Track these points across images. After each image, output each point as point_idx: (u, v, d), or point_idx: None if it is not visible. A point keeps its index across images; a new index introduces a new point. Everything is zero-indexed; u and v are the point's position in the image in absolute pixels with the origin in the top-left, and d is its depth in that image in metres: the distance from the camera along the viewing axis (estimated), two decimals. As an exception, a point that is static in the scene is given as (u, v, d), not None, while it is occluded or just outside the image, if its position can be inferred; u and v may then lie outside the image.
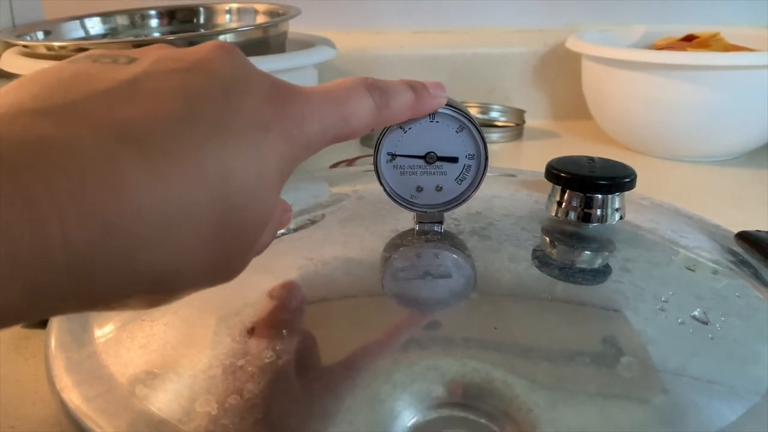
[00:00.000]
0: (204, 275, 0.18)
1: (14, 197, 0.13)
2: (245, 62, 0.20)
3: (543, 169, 0.32)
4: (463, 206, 0.31)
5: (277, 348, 0.22)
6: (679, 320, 0.24)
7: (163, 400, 0.21)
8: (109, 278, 0.15)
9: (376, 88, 0.24)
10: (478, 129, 0.30)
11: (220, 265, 0.18)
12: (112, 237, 0.14)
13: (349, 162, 0.70)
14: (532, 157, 0.77)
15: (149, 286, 0.16)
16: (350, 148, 0.78)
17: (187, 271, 0.17)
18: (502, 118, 0.83)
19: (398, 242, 0.30)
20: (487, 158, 0.30)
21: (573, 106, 0.87)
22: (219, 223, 0.17)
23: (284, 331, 0.23)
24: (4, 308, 0.13)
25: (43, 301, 0.14)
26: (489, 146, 0.30)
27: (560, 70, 0.87)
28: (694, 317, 0.24)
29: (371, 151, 0.31)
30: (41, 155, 0.14)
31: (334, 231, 0.32)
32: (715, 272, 0.29)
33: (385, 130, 0.30)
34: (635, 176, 0.30)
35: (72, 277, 0.14)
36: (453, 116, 0.29)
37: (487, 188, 0.31)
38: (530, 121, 0.85)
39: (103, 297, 0.16)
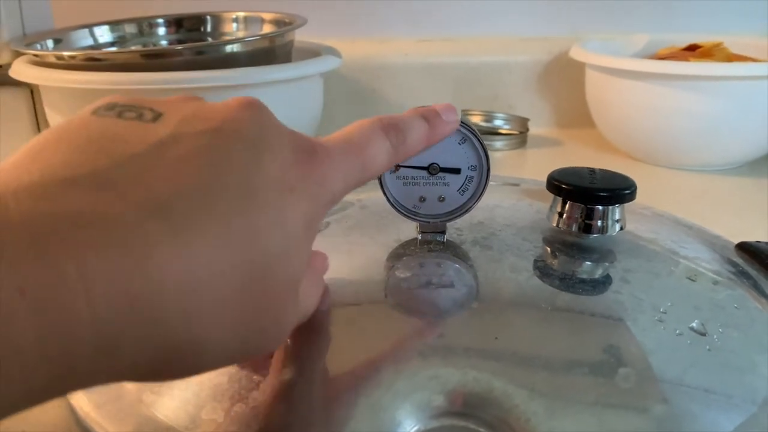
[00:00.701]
0: (236, 344, 0.18)
1: (44, 277, 0.13)
2: (271, 120, 0.20)
3: (546, 179, 0.33)
4: (466, 216, 0.31)
5: (282, 357, 0.23)
6: (677, 331, 0.24)
7: (170, 407, 0.22)
8: (136, 352, 0.15)
9: (391, 127, 0.24)
10: (480, 141, 0.30)
11: (253, 332, 0.18)
12: (138, 311, 0.14)
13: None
14: (536, 166, 0.77)
15: (177, 358, 0.16)
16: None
17: (216, 339, 0.17)
18: (506, 126, 0.83)
19: (401, 252, 0.31)
20: (489, 169, 0.31)
21: (576, 115, 0.88)
22: (246, 289, 0.17)
23: (288, 340, 0.24)
24: (32, 389, 0.14)
25: (70, 378, 0.14)
26: (493, 154, 0.30)
27: (564, 79, 0.88)
28: (692, 328, 0.25)
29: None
30: (73, 231, 0.14)
31: (338, 239, 0.33)
32: (714, 283, 0.30)
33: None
34: (635, 188, 0.31)
35: (99, 353, 0.14)
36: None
37: (490, 198, 0.31)
38: (534, 129, 0.86)
39: (131, 371, 0.16)
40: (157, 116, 0.18)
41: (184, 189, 0.16)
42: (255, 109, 0.20)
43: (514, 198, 0.39)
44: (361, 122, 0.24)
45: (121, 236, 0.14)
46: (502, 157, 0.78)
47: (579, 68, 0.80)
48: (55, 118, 0.66)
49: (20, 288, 0.13)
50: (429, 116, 0.26)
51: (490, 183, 0.31)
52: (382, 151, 0.23)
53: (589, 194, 0.30)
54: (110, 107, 0.19)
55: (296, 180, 0.19)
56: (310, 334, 0.25)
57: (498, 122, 0.84)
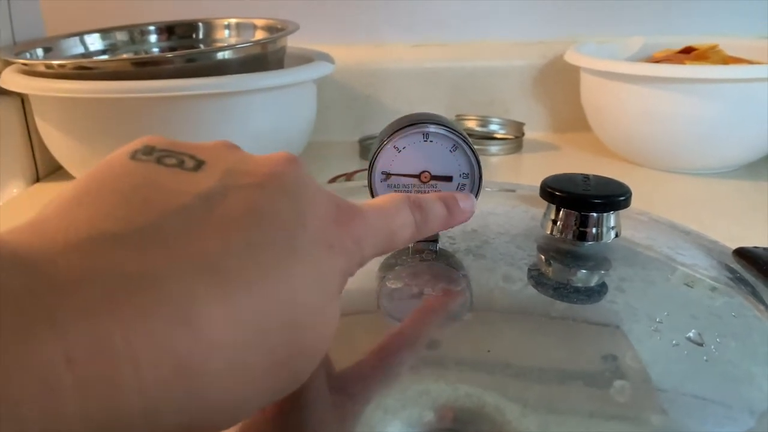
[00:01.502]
0: (272, 396, 0.18)
1: (92, 346, 0.13)
2: (310, 178, 0.21)
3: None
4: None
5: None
6: (674, 342, 0.24)
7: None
8: (180, 413, 0.15)
9: (417, 206, 0.25)
10: (471, 148, 0.30)
11: (288, 384, 0.18)
12: (185, 376, 0.14)
13: (348, 176, 0.70)
14: (532, 170, 0.77)
15: (216, 415, 0.16)
16: (349, 162, 0.78)
17: (256, 396, 0.17)
18: (502, 131, 0.83)
19: (393, 261, 0.30)
20: (481, 177, 0.30)
21: (572, 118, 0.87)
22: (288, 347, 0.17)
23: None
24: None
25: None
26: (488, 159, 0.30)
27: (559, 83, 0.87)
28: (689, 338, 0.24)
29: (370, 165, 0.31)
30: (121, 294, 0.14)
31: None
32: (711, 290, 0.29)
33: (379, 149, 0.30)
34: (630, 194, 0.30)
35: (144, 419, 0.14)
36: (447, 136, 0.30)
37: (484, 204, 0.31)
38: (529, 133, 0.85)
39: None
40: (198, 164, 0.19)
41: (233, 246, 0.16)
42: (295, 165, 0.20)
43: (509, 205, 0.39)
44: (392, 195, 0.25)
45: (168, 298, 0.14)
46: (497, 161, 0.78)
47: (574, 72, 0.80)
48: (45, 127, 0.66)
49: (67, 357, 0.13)
50: (449, 203, 0.27)
51: (485, 189, 0.30)
52: (407, 225, 0.24)
53: (583, 201, 0.30)
54: (147, 151, 0.19)
55: (335, 237, 0.20)
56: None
57: (493, 127, 0.83)
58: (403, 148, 0.30)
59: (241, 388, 0.16)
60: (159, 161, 0.18)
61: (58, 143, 0.66)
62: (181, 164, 0.18)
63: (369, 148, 0.81)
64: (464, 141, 0.30)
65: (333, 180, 0.68)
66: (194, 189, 0.17)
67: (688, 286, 0.30)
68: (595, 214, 0.30)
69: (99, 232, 0.15)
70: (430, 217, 0.26)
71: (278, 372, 0.17)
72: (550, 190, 0.31)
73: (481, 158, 0.30)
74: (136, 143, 0.19)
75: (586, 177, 0.32)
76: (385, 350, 0.24)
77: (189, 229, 0.16)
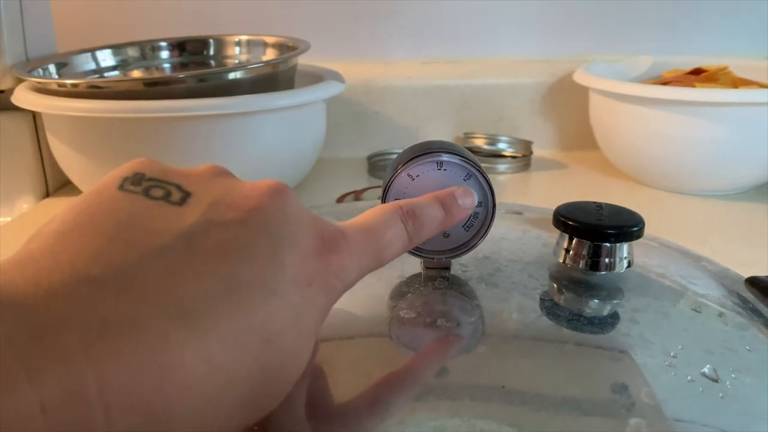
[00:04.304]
0: (240, 426, 0.18)
1: (66, 392, 0.13)
2: (295, 208, 0.21)
3: (551, 203, 0.32)
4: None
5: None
6: (689, 377, 0.24)
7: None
8: None
9: (410, 215, 0.25)
10: (485, 177, 0.30)
11: (256, 415, 0.18)
12: (155, 422, 0.15)
13: (357, 194, 0.70)
14: (540, 190, 0.77)
15: None
16: (357, 179, 0.79)
17: (225, 430, 0.17)
18: (510, 149, 0.83)
19: (405, 289, 0.30)
20: (494, 206, 0.30)
21: (580, 137, 0.88)
22: (259, 387, 0.17)
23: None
24: None
25: None
26: (496, 177, 0.30)
27: (568, 101, 0.88)
28: (704, 374, 0.24)
29: (380, 182, 0.31)
30: (96, 341, 0.14)
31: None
32: (725, 323, 0.29)
33: (393, 177, 0.30)
34: (643, 224, 0.30)
35: None
36: (461, 165, 0.30)
37: (495, 229, 0.31)
38: (538, 151, 0.85)
39: None
40: (184, 197, 0.19)
41: (209, 289, 0.17)
42: (281, 197, 0.20)
43: (520, 229, 0.39)
44: (382, 208, 0.24)
45: (142, 345, 0.15)
46: (505, 180, 0.78)
47: (583, 90, 0.80)
48: (57, 144, 0.66)
49: (42, 406, 0.13)
50: (446, 202, 0.27)
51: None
52: (398, 238, 0.24)
53: (597, 231, 0.30)
54: (137, 181, 0.19)
55: (315, 273, 0.20)
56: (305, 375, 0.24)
57: (502, 145, 0.84)
58: (417, 176, 0.30)
59: (210, 426, 0.16)
60: (146, 193, 0.19)
61: (69, 160, 0.66)
62: (167, 196, 0.19)
63: (377, 166, 0.81)
64: (478, 170, 0.30)
65: (341, 199, 0.69)
66: (176, 227, 0.18)
67: (702, 317, 0.30)
68: (608, 245, 0.30)
69: (80, 275, 0.15)
70: (425, 222, 0.25)
71: (247, 407, 0.18)
72: (563, 218, 0.31)
73: (489, 177, 0.30)
74: (127, 168, 0.20)
75: (599, 206, 0.32)
76: (383, 389, 0.23)
77: (167, 272, 0.16)
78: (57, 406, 0.13)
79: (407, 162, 0.30)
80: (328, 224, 0.22)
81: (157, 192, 0.19)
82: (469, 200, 0.28)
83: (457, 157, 0.30)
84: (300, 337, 0.19)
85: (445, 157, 0.30)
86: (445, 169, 0.30)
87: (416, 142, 0.32)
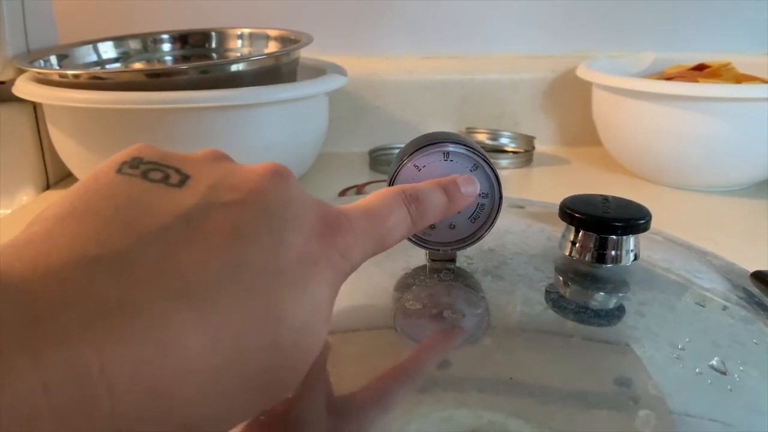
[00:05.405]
0: (253, 411, 0.18)
1: (68, 373, 0.13)
2: (296, 190, 0.20)
3: (554, 198, 0.32)
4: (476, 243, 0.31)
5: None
6: (697, 370, 0.24)
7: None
8: None
9: (413, 199, 0.24)
10: (492, 168, 0.30)
11: (270, 398, 0.18)
12: (158, 400, 0.15)
13: (359, 188, 0.69)
14: (543, 185, 0.77)
15: None
16: (359, 173, 0.78)
17: (234, 414, 0.17)
18: (512, 145, 0.83)
19: (410, 281, 0.30)
20: (501, 197, 0.30)
21: (582, 133, 0.87)
22: (271, 366, 0.17)
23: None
24: None
25: None
26: (498, 172, 0.30)
27: (570, 96, 0.87)
28: (712, 366, 0.24)
29: (381, 176, 0.31)
30: (97, 322, 0.14)
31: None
32: (731, 317, 0.29)
33: (399, 167, 0.30)
34: (650, 217, 0.30)
35: None
36: (467, 155, 0.29)
37: (500, 222, 0.31)
38: (540, 147, 0.85)
39: None
40: (183, 180, 0.19)
41: (211, 269, 0.16)
42: (281, 178, 0.20)
43: (524, 223, 0.39)
44: (385, 192, 0.24)
45: (143, 324, 0.15)
46: (508, 175, 0.78)
47: (585, 86, 0.80)
48: (58, 135, 0.66)
49: (44, 384, 0.13)
50: (449, 189, 0.27)
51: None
52: (401, 222, 0.24)
53: (603, 223, 0.30)
54: (134, 164, 0.19)
55: (319, 252, 0.19)
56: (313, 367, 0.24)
57: (504, 140, 0.83)
58: (423, 166, 0.30)
59: (217, 408, 0.16)
60: (144, 175, 0.18)
61: (70, 151, 0.66)
62: (166, 179, 0.18)
63: (379, 160, 0.80)
64: (484, 160, 0.29)
65: (343, 193, 0.68)
66: (176, 209, 0.17)
67: (708, 310, 0.30)
68: (614, 237, 0.30)
69: (78, 257, 0.15)
70: (428, 207, 0.25)
71: (257, 390, 0.17)
72: (569, 211, 0.31)
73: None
74: (125, 154, 0.19)
75: (605, 198, 0.32)
76: (388, 380, 0.23)
77: (167, 252, 0.16)
78: (59, 385, 0.13)
79: (413, 152, 0.30)
80: (330, 207, 0.21)
81: (156, 175, 0.18)
82: (471, 188, 0.28)
83: (464, 147, 0.29)
84: (311, 315, 0.18)
85: (451, 148, 0.29)
86: (451, 160, 0.30)
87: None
